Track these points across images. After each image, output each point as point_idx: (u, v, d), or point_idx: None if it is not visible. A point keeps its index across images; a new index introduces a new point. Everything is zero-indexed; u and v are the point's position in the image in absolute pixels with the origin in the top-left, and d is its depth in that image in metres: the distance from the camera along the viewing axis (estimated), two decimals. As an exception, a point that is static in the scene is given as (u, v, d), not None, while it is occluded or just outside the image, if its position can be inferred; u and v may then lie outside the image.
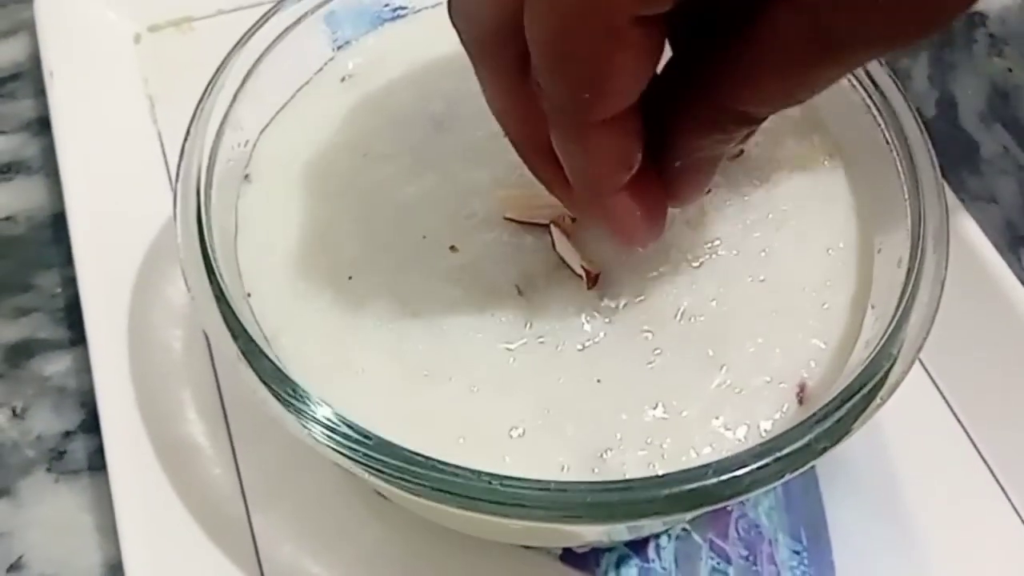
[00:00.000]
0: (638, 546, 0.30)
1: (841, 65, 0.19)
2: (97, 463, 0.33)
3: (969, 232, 0.35)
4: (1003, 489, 0.32)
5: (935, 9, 0.18)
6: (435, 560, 0.30)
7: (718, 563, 0.30)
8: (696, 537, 0.31)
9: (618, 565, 0.30)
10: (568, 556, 0.30)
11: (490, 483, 0.22)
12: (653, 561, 0.30)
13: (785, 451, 0.22)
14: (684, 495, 0.21)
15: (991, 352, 0.34)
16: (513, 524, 0.22)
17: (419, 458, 0.22)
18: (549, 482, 0.22)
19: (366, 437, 0.23)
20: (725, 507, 0.31)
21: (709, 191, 0.28)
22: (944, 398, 0.34)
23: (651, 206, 0.23)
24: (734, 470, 0.22)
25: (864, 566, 0.30)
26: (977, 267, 0.34)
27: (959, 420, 0.33)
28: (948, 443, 0.33)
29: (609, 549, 0.30)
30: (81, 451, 0.33)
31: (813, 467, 0.32)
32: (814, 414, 0.23)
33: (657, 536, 0.31)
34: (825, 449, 0.22)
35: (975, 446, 0.33)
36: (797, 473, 0.22)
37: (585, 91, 0.19)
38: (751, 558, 0.30)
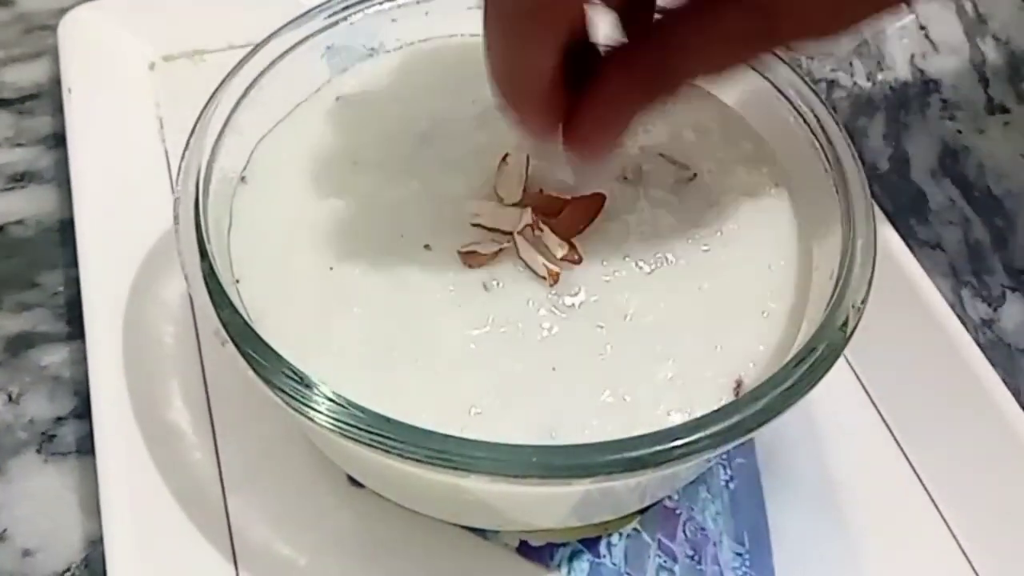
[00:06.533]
0: (590, 543, 0.32)
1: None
2: (84, 447, 0.34)
3: (916, 275, 0.38)
4: (933, 501, 0.34)
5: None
6: (400, 547, 0.32)
7: (665, 561, 0.32)
8: (646, 537, 0.33)
9: (571, 559, 0.32)
10: (524, 548, 0.32)
11: (453, 445, 0.24)
12: (604, 557, 0.32)
13: (714, 428, 0.24)
14: (622, 460, 0.24)
15: (933, 382, 0.36)
16: (474, 487, 0.24)
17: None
18: (502, 444, 0.24)
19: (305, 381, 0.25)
20: (674, 510, 0.33)
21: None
22: (884, 421, 0.36)
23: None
24: (666, 442, 0.24)
25: (801, 569, 0.32)
26: (923, 308, 0.37)
27: (897, 442, 0.35)
28: (884, 461, 0.35)
29: (563, 544, 0.32)
30: (70, 436, 0.35)
31: (759, 480, 0.34)
32: (743, 397, 0.25)
33: (609, 534, 0.33)
34: (750, 429, 0.24)
35: (911, 466, 0.35)
36: (725, 448, 0.24)
37: None
38: (696, 558, 0.32)
